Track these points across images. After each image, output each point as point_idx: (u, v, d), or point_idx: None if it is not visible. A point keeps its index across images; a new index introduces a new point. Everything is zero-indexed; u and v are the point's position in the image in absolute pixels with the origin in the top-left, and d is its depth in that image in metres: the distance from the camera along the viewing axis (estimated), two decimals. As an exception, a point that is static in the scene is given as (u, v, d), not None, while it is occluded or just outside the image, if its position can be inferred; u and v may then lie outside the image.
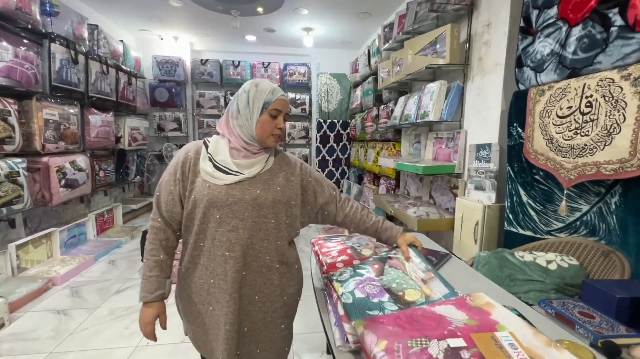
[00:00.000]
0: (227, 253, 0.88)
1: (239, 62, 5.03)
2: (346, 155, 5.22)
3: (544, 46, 1.47)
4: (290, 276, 0.99)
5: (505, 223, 1.80)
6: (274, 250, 0.94)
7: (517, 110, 1.67)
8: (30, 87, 2.52)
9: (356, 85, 4.68)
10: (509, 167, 1.76)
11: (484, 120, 2.05)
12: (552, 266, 1.42)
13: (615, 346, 0.74)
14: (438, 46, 2.21)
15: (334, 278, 0.96)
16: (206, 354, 0.97)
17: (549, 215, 1.60)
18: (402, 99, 2.96)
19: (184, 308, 0.98)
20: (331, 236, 1.31)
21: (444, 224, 2.27)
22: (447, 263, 1.36)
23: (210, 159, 0.92)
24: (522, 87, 1.66)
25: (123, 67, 3.88)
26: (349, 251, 1.13)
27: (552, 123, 1.41)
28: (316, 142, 5.20)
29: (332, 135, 5.13)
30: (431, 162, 2.42)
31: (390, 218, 3.49)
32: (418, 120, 2.44)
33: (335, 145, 5.18)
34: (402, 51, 2.62)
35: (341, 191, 5.52)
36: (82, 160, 3.10)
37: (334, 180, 5.26)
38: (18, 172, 2.40)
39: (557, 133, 1.40)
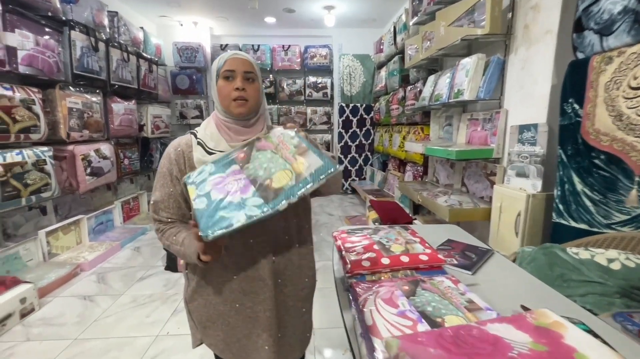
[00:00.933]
0: (250, 241, 0.84)
1: (259, 46, 4.89)
2: (369, 141, 5.01)
3: (613, 3, 1.22)
4: (309, 257, 0.95)
5: (554, 214, 1.58)
6: (293, 229, 0.90)
7: (573, 83, 1.43)
8: (52, 75, 2.53)
9: (380, 66, 4.42)
10: (560, 151, 1.53)
11: (529, 98, 1.80)
12: (615, 266, 1.21)
13: None
14: (476, 14, 1.96)
15: (189, 180, 0.81)
16: (234, 357, 0.89)
17: (610, 205, 1.37)
18: (431, 78, 2.71)
19: (199, 314, 0.90)
20: (355, 228, 1.17)
21: (479, 214, 2.07)
22: (489, 261, 1.19)
23: (202, 146, 0.84)
24: (580, 56, 1.41)
25: (144, 54, 3.86)
26: (376, 246, 0.99)
27: (623, 96, 1.18)
28: (338, 128, 5.02)
29: (354, 119, 4.93)
30: (465, 146, 2.20)
31: (416, 206, 3.30)
32: (451, 100, 2.21)
33: (358, 130, 4.97)
34: (433, 24, 2.37)
35: (364, 178, 5.30)
36: (106, 148, 3.13)
37: (356, 167, 5.08)
38: (45, 160, 2.44)
39: (628, 108, 1.16)
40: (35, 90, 2.39)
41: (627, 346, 0.69)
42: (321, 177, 0.70)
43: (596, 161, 1.37)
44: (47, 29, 2.48)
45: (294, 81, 5.00)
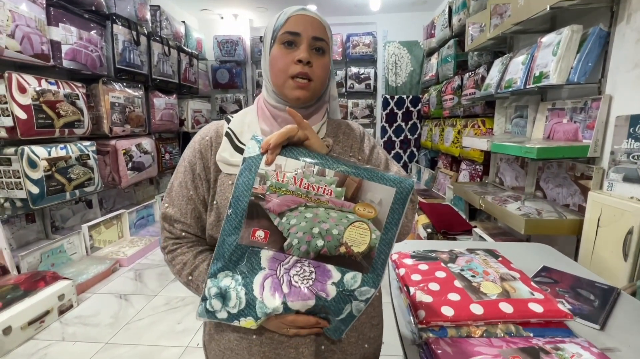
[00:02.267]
0: None
1: (299, 36, 4.68)
2: (416, 136, 4.60)
3: None
4: (371, 309, 0.66)
5: (690, 236, 1.17)
6: None
7: None
8: (95, 70, 2.53)
9: (431, 53, 3.99)
10: None
11: (648, 79, 1.37)
12: None
13: None
14: (571, -25, 1.54)
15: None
16: None
17: None
18: (498, 62, 2.30)
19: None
20: (422, 253, 0.89)
21: (566, 227, 1.66)
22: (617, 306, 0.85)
23: (230, 139, 0.61)
24: None
25: (185, 48, 3.83)
26: (458, 283, 0.71)
27: None
28: (381, 121, 4.67)
29: (400, 112, 4.54)
30: (546, 142, 1.79)
31: (472, 211, 2.89)
32: (529, 86, 1.81)
33: (403, 124, 4.58)
34: (508, -7, 1.96)
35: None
36: (147, 143, 3.13)
37: (401, 164, 4.71)
38: (88, 155, 2.45)
39: None
40: (79, 84, 2.39)
41: None
42: (407, 203, 0.49)
43: None
44: (90, 23, 2.48)
45: (335, 72, 4.73)
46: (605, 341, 0.69)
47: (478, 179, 2.83)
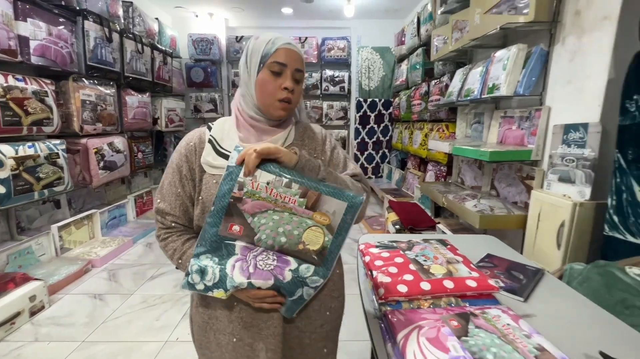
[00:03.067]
0: None
1: (275, 38, 4.74)
2: (388, 137, 4.83)
3: (701, -20, 1.02)
4: (332, 284, 0.79)
5: (607, 227, 1.40)
6: None
7: (639, 78, 1.23)
8: (65, 66, 2.47)
9: (401, 59, 4.21)
10: (618, 155, 1.34)
11: (578, 94, 1.60)
12: (689, 292, 1.03)
13: None
14: (517, 0, 1.76)
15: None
16: None
17: (679, 220, 1.18)
18: (460, 72, 2.52)
19: (198, 335, 0.79)
20: (385, 243, 1.03)
21: (514, 222, 1.89)
22: (540, 283, 1.03)
23: (213, 145, 0.72)
24: (650, 45, 1.21)
25: (158, 46, 3.79)
26: (412, 266, 0.85)
27: None
28: (355, 123, 4.85)
29: (372, 115, 4.74)
30: (498, 147, 2.01)
31: (438, 208, 3.12)
32: (484, 96, 2.02)
33: (375, 126, 4.79)
34: (466, 11, 2.17)
35: (380, 176, 5.15)
36: (120, 141, 3.08)
37: (373, 164, 4.91)
38: (57, 153, 2.39)
39: None
40: (48, 81, 2.33)
41: None
42: (356, 215, 0.63)
43: (665, 168, 1.18)
44: (60, 19, 2.42)
45: (310, 74, 4.84)
46: (526, 310, 0.85)
47: (442, 179, 3.06)
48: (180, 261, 0.73)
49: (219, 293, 0.66)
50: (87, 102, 2.68)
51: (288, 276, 0.64)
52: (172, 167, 0.75)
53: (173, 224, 0.74)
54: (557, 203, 1.60)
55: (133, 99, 3.33)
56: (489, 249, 1.27)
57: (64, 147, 2.46)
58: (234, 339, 0.73)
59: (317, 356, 0.78)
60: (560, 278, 1.29)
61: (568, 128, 1.63)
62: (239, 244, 0.65)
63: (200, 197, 0.73)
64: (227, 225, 0.65)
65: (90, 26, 2.66)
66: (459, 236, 1.62)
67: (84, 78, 2.65)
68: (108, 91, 2.94)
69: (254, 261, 0.64)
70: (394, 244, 1.00)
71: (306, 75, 4.77)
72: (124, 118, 3.25)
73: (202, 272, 0.65)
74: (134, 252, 2.77)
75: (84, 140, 2.69)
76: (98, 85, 2.81)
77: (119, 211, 3.26)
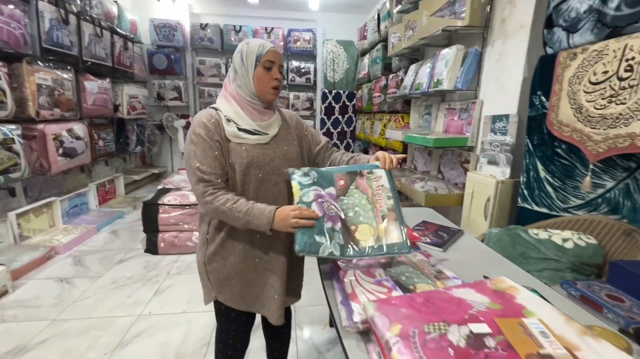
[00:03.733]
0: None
1: (241, 27, 4.76)
2: (351, 128, 5.07)
3: (580, 2, 1.31)
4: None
5: (519, 199, 1.71)
6: None
7: (542, 77, 1.53)
8: (18, 48, 2.38)
9: (364, 53, 4.43)
10: (527, 140, 1.64)
11: (502, 90, 1.90)
12: (569, 245, 1.34)
13: (647, 333, 0.67)
14: (457, 6, 2.02)
15: (295, 176, 0.90)
16: (249, 307, 1.01)
17: (568, 191, 1.51)
18: (413, 67, 2.78)
19: (217, 270, 0.98)
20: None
21: (453, 199, 2.19)
22: (458, 240, 1.29)
23: (234, 122, 0.93)
24: (550, 51, 1.50)
25: (118, 30, 3.67)
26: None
27: (583, 90, 1.28)
28: (321, 114, 5.03)
29: (337, 106, 4.95)
30: (442, 135, 2.30)
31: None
32: (430, 90, 2.29)
33: (340, 117, 5.01)
34: (417, 13, 2.41)
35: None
36: (79, 128, 3.00)
37: (338, 154, 5.14)
38: (13, 139, 2.32)
39: (587, 101, 1.27)
40: (0, 63, 2.25)
41: (570, 308, 0.80)
42: (394, 252, 0.80)
43: (558, 150, 1.49)
44: (11, -2, 2.32)
45: (276, 65, 4.92)
46: (444, 257, 1.09)
47: (399, 166, 3.34)
48: (234, 205, 0.87)
49: (295, 187, 0.89)
50: (43, 86, 2.59)
51: (328, 226, 0.82)
52: (202, 138, 0.89)
53: (219, 180, 0.90)
54: (485, 181, 1.91)
55: (92, 85, 3.23)
56: (426, 218, 1.52)
57: (19, 132, 2.38)
58: (257, 260, 0.98)
59: (298, 264, 1.09)
60: (482, 240, 1.58)
61: (495, 118, 1.94)
62: (331, 189, 0.88)
63: (230, 160, 0.92)
64: (340, 178, 0.90)
65: (45, 7, 2.56)
66: (406, 209, 1.87)
67: (39, 61, 2.56)
68: (66, 75, 2.85)
69: (324, 200, 0.85)
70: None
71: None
72: (83, 104, 3.15)
73: (305, 174, 0.90)
74: (100, 239, 2.76)
75: (40, 126, 2.61)
76: (55, 69, 2.72)
77: (80, 199, 3.19)
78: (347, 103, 4.95)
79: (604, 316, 0.81)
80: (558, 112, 1.41)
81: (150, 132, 4.58)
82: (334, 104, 4.93)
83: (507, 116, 1.83)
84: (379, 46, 3.72)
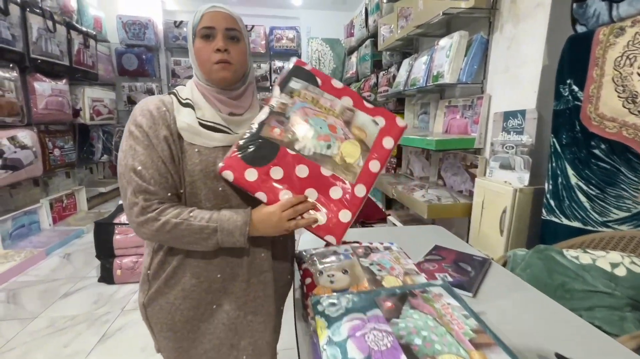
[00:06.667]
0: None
1: (218, 24, 4.41)
2: (340, 131, 4.76)
3: (627, -38, 1.03)
4: (293, 247, 0.88)
5: (544, 211, 1.42)
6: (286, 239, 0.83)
7: (572, 61, 1.24)
8: (-62, 41, 1.98)
9: (351, 51, 4.16)
10: (553, 139, 1.35)
11: (515, 81, 1.62)
12: (620, 271, 1.04)
13: None
14: (458, -14, 1.73)
15: (319, 307, 0.57)
16: None
17: (608, 201, 1.22)
18: (406, 61, 2.49)
19: (163, 319, 0.72)
20: (339, 249, 0.87)
21: (460, 210, 1.89)
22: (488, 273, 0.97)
23: (189, 109, 0.68)
24: (581, 29, 1.22)
25: (77, 25, 3.28)
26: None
27: (638, 73, 0.99)
28: (307, 117, 4.71)
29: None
30: (444, 136, 2.00)
31: (389, 201, 3.11)
32: (429, 84, 1.99)
33: (327, 120, 4.70)
34: (411, -2, 2.12)
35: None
36: (25, 135, 2.60)
37: (326, 159, 4.83)
38: None
39: (644, 87, 0.98)
40: None
41: None
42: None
43: (596, 151, 1.21)
44: None
45: (258, 65, 4.60)
46: (476, 307, 0.77)
47: (393, 171, 3.05)
48: (190, 214, 0.63)
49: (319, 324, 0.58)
50: (-25, 86, 2.19)
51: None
52: (143, 131, 0.64)
53: (169, 194, 0.65)
54: (499, 189, 1.61)
55: (44, 86, 2.83)
56: (437, 240, 1.21)
57: (-59, 141, 1.98)
58: (213, 307, 0.72)
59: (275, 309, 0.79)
60: (504, 264, 1.28)
61: (507, 115, 1.65)
62: (376, 311, 0.56)
63: (184, 170, 0.67)
64: (385, 300, 0.59)
65: (-25, -7, 2.17)
66: (407, 228, 1.56)
67: (-32, 57, 2.16)
68: (7, 74, 2.45)
69: (366, 331, 0.53)
70: (349, 251, 0.85)
71: (255, 65, 4.53)
72: (33, 109, 2.75)
73: (333, 301, 0.60)
74: (46, 266, 2.34)
75: (-28, 134, 2.20)
76: (-10, 66, 2.32)
77: (29, 218, 2.76)
78: (335, 105, 4.64)
79: None
80: (598, 104, 1.12)
81: (119, 138, 4.16)
82: (320, 106, 4.62)
83: (522, 112, 1.54)
84: (368, 42, 3.45)
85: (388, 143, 0.70)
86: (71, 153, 3.27)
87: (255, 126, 0.68)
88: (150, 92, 4.39)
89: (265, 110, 0.70)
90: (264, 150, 0.65)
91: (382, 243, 0.90)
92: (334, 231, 0.66)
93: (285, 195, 0.65)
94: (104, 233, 2.06)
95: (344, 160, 0.67)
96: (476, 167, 1.89)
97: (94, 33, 3.60)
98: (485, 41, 1.78)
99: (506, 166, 1.64)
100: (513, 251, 1.28)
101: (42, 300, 1.90)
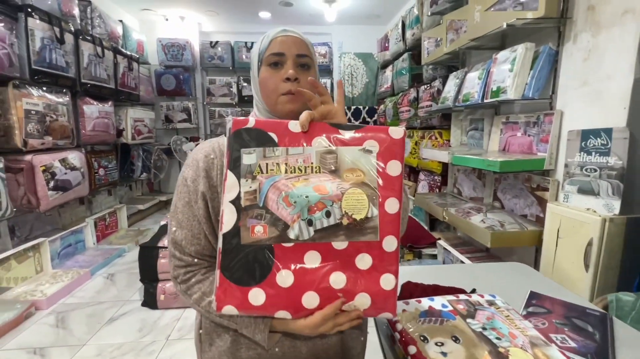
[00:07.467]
0: None
1: (252, 43, 4.49)
2: (373, 146, 4.64)
3: None
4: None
5: (646, 246, 1.22)
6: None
7: (681, 75, 1.07)
8: (3, 70, 2.09)
9: (385, 65, 4.07)
10: (657, 164, 1.17)
11: (596, 96, 1.45)
12: None
13: None
14: (523, -5, 1.60)
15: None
16: None
17: None
18: (453, 76, 2.36)
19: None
20: (432, 309, 0.74)
21: (528, 238, 1.70)
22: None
23: None
24: (694, 38, 1.05)
25: (122, 50, 3.42)
26: (480, 349, 0.59)
27: None
28: (339, 132, 4.64)
29: (357, 123, 4.55)
30: (506, 155, 1.83)
31: (433, 222, 2.93)
32: (487, 101, 1.85)
33: (360, 134, 4.60)
34: (464, 10, 2.01)
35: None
36: (75, 157, 2.68)
37: (359, 175, 4.71)
38: (-9, 174, 1.99)
39: None
40: (-20, 88, 1.95)
41: None
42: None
43: None
44: (-4, 15, 2.05)
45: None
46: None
47: (437, 190, 2.88)
48: (213, 306, 0.56)
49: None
50: (33, 112, 2.29)
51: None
52: (186, 185, 0.61)
53: (195, 260, 0.61)
54: (581, 218, 1.42)
55: (92, 109, 2.94)
56: (523, 282, 1.05)
57: (1, 165, 2.06)
58: None
59: None
60: (605, 308, 1.09)
61: (587, 134, 1.47)
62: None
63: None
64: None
65: (36, 25, 2.29)
66: (483, 265, 1.40)
67: (27, 85, 2.27)
68: (60, 99, 2.55)
69: None
70: (446, 309, 0.72)
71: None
72: (82, 131, 2.85)
73: None
74: (91, 287, 2.36)
75: (28, 157, 2.28)
76: (47, 92, 2.42)
77: (75, 237, 2.83)
78: (368, 119, 4.55)
79: None
80: None
81: (157, 157, 4.27)
82: (353, 120, 4.54)
83: (608, 131, 1.37)
84: (405, 56, 3.35)
85: (395, 168, 0.54)
86: (114, 172, 3.36)
87: (230, 238, 0.53)
88: (186, 111, 4.50)
89: (232, 210, 0.53)
90: (256, 261, 0.52)
91: (482, 296, 0.76)
92: (385, 307, 0.54)
93: (311, 300, 0.52)
94: (147, 256, 2.04)
95: (353, 220, 0.54)
96: (544, 189, 1.70)
97: (137, 56, 3.75)
98: (555, 53, 1.62)
99: (587, 191, 1.45)
100: (615, 294, 1.10)
101: (89, 326, 1.89)
